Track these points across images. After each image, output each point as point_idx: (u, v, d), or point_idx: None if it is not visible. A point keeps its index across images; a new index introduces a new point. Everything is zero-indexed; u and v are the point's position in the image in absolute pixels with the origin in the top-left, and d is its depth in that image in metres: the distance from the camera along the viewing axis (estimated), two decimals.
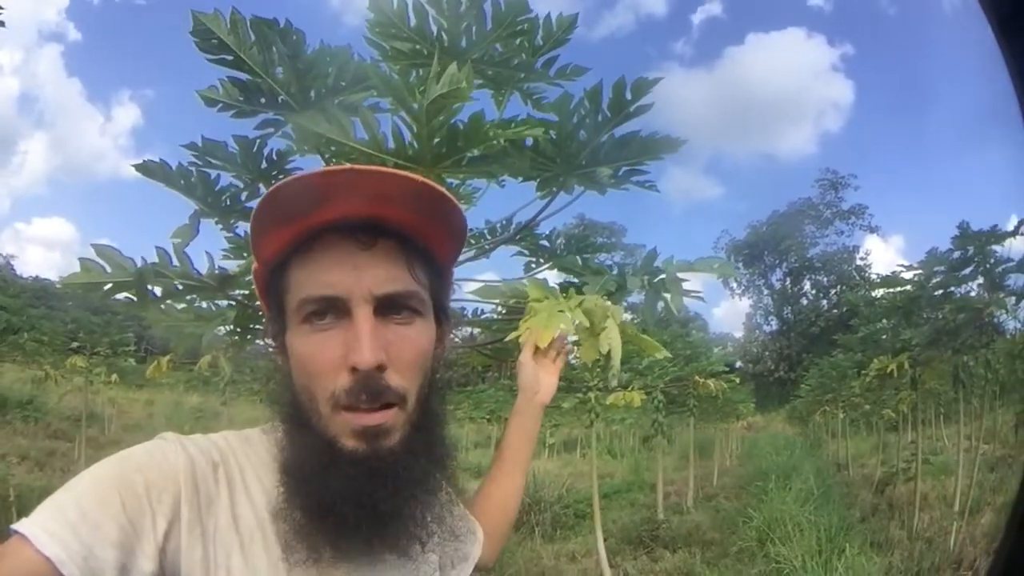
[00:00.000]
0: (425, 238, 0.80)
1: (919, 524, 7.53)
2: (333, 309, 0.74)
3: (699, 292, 2.11)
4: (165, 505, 0.67)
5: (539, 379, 1.28)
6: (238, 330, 2.74)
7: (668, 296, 1.83)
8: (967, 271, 6.08)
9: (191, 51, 2.04)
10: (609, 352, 1.52)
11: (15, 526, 0.61)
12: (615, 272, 2.08)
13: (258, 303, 2.61)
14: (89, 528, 0.61)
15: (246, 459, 0.78)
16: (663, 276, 1.89)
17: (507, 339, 1.49)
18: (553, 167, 1.84)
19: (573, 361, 1.47)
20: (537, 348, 1.30)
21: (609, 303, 1.59)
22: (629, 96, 1.70)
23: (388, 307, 0.75)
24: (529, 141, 1.76)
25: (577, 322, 1.52)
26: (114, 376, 13.59)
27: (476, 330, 2.86)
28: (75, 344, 11.81)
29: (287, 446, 0.77)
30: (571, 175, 1.85)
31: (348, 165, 0.76)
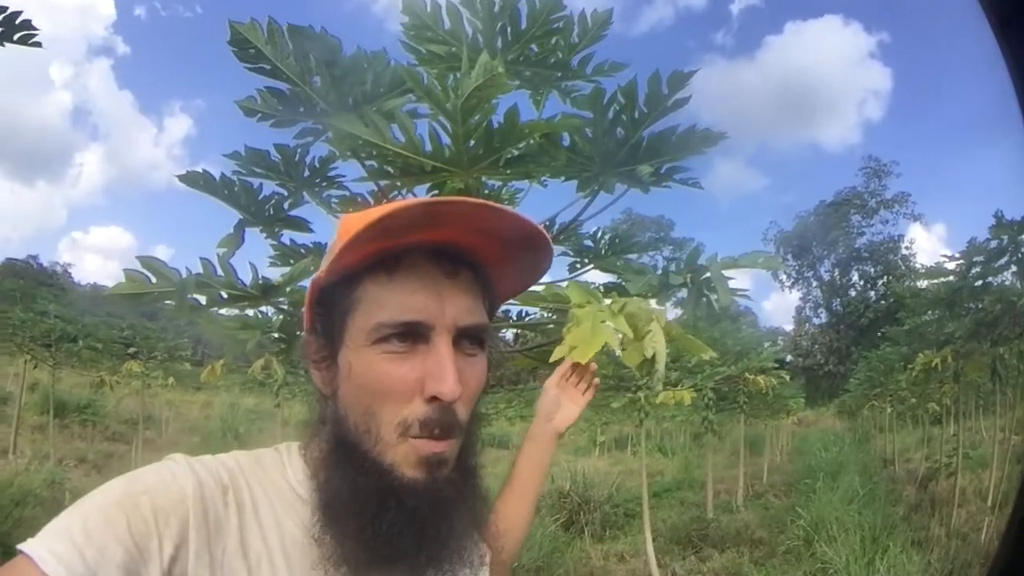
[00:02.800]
0: (501, 274, 0.79)
1: (957, 520, 7.43)
2: (413, 335, 0.72)
3: (746, 290, 2.05)
4: (172, 529, 0.65)
5: (559, 405, 1.25)
6: (285, 337, 2.78)
7: (714, 295, 1.78)
8: (1002, 261, 5.92)
9: (238, 60, 2.07)
10: (654, 356, 1.48)
11: (21, 546, 0.61)
12: (659, 271, 2.04)
13: (302, 311, 2.64)
14: (94, 550, 0.60)
15: (257, 482, 0.75)
16: (707, 274, 1.84)
17: (551, 359, 1.46)
18: (591, 166, 1.81)
19: (617, 352, 1.43)
20: (571, 369, 1.28)
21: (654, 305, 1.55)
22: (666, 90, 1.65)
23: (463, 339, 0.74)
24: (567, 140, 1.73)
25: (621, 335, 1.48)
26: (170, 380, 14.00)
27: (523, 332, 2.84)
28: (132, 350, 12.20)
29: (328, 466, 0.75)
30: (610, 174, 1.81)
31: (482, 201, 0.71)
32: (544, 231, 0.75)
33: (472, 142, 1.48)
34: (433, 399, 0.70)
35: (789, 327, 40.91)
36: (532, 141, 1.57)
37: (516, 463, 1.22)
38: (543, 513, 8.98)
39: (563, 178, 2.16)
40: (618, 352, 1.49)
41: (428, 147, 1.53)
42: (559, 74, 2.13)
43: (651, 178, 1.87)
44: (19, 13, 2.91)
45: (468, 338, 0.74)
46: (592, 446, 17.58)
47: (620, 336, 1.48)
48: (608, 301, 1.55)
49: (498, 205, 0.72)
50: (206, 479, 0.70)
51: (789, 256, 40.48)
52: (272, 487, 0.75)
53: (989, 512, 6.71)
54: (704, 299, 1.79)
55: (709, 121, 1.85)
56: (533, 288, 1.95)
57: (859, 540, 6.38)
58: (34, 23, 2.87)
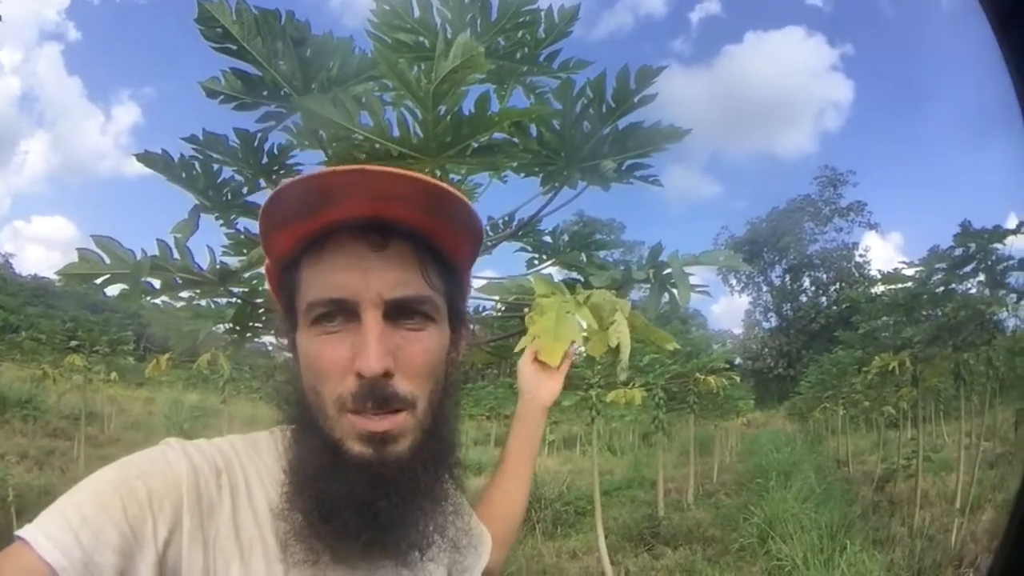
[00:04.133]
0: (439, 240, 0.77)
1: (920, 521, 7.57)
2: (342, 312, 0.72)
3: (705, 287, 2.10)
4: (167, 512, 0.66)
5: (539, 382, 1.26)
6: (237, 328, 2.71)
7: (675, 290, 1.81)
8: (968, 269, 6.15)
9: (191, 49, 2.02)
10: (618, 346, 1.50)
11: (18, 532, 0.61)
12: (620, 267, 2.07)
13: (259, 300, 2.60)
14: (90, 534, 0.61)
15: (251, 465, 0.77)
16: (669, 270, 1.87)
17: (516, 349, 1.47)
18: (557, 160, 1.82)
19: (576, 357, 1.45)
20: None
21: (616, 297, 1.57)
22: (633, 85, 1.68)
23: (399, 312, 0.73)
24: (534, 132, 1.73)
25: (586, 326, 1.50)
26: (113, 374, 13.58)
27: (476, 327, 2.83)
28: (74, 343, 11.81)
29: (293, 445, 0.76)
30: (575, 168, 1.83)
31: (358, 166, 0.72)
32: (444, 184, 0.74)
33: (441, 129, 1.47)
34: (361, 375, 0.70)
35: (738, 331, 41.76)
36: (500, 131, 1.56)
37: (507, 443, 1.24)
38: None
39: (524, 173, 2.18)
40: (580, 348, 1.50)
41: (396, 132, 1.51)
42: (525, 68, 2.13)
43: (614, 174, 1.89)
44: None
45: (406, 312, 0.74)
46: (542, 445, 17.58)
47: (584, 329, 1.50)
48: (571, 295, 1.56)
49: (395, 169, 0.71)
50: (200, 463, 0.71)
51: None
52: (266, 470, 0.77)
53: (959, 514, 6.91)
54: (665, 295, 1.81)
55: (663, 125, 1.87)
56: (497, 280, 1.96)
57: (816, 537, 6.51)
58: None
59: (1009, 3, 0.75)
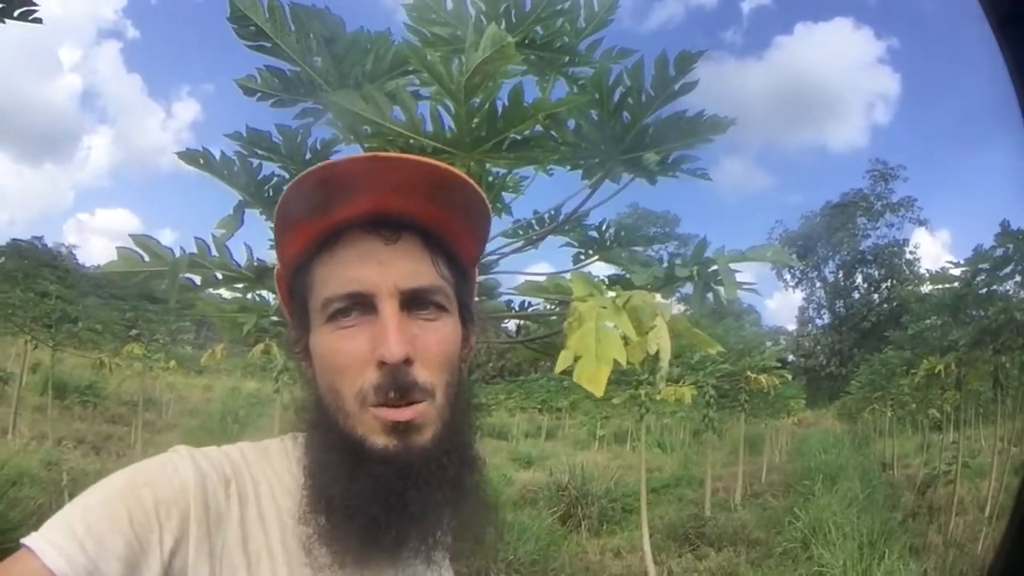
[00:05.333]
0: (447, 233, 0.77)
1: (954, 529, 7.41)
2: (358, 306, 0.72)
3: (753, 284, 2.01)
4: (173, 521, 0.66)
5: None
6: (283, 321, 2.73)
7: (721, 288, 1.73)
8: (1007, 270, 5.97)
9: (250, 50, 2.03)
10: (657, 352, 1.44)
11: (24, 540, 0.61)
12: (664, 264, 1.99)
13: None
14: (95, 542, 0.61)
15: (261, 474, 0.76)
16: (714, 267, 1.80)
17: (557, 371, 1.42)
18: (597, 152, 1.76)
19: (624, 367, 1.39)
20: None
21: (659, 299, 1.51)
22: (673, 72, 1.60)
23: (414, 302, 0.73)
24: (572, 124, 1.68)
25: (624, 337, 1.44)
26: (172, 363, 14.02)
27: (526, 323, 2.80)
28: (134, 332, 12.21)
29: (311, 449, 0.76)
30: (616, 161, 1.76)
31: (365, 154, 0.75)
32: (450, 167, 0.73)
33: (475, 122, 1.43)
34: (382, 363, 0.70)
35: (792, 327, 40.73)
36: (537, 124, 1.51)
37: None
38: (540, 506, 8.96)
39: (568, 166, 2.12)
40: (624, 365, 1.44)
41: (429, 127, 1.48)
42: (566, 59, 2.07)
43: (658, 167, 1.82)
44: None
45: (420, 302, 0.74)
46: (592, 440, 17.52)
47: (625, 342, 1.44)
48: (611, 295, 1.50)
49: (403, 155, 0.73)
50: (208, 471, 0.70)
51: (794, 256, 40.32)
52: (276, 479, 0.76)
53: (986, 523, 6.69)
54: (710, 293, 1.74)
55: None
56: (535, 278, 1.91)
57: (856, 545, 6.34)
58: (38, 1, 2.85)
59: (1009, 5, 0.74)
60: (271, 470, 0.77)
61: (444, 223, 0.76)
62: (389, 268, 0.72)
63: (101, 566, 0.60)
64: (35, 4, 2.86)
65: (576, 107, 1.65)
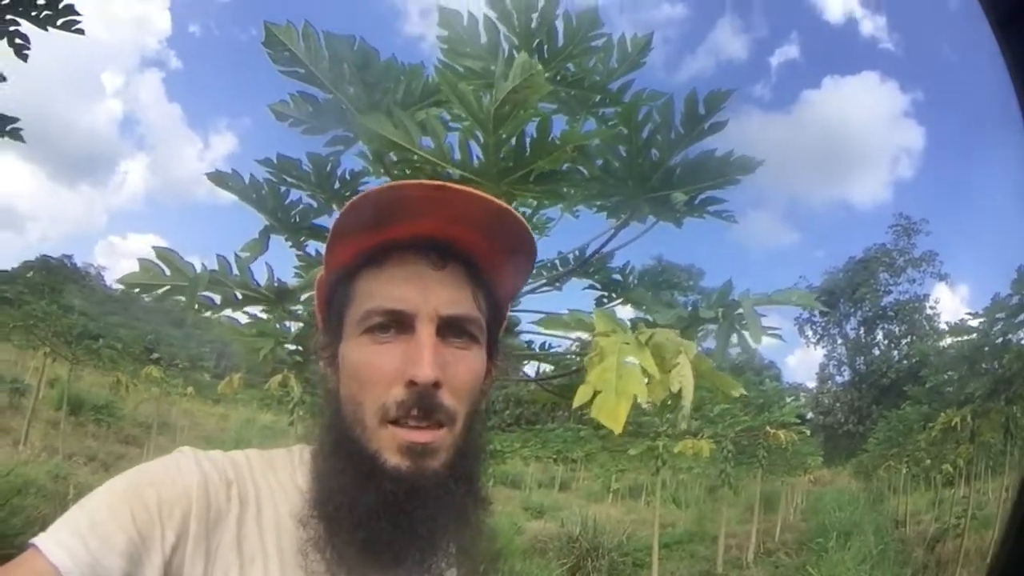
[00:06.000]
0: (492, 269, 0.80)
1: None
2: (397, 324, 0.74)
3: (778, 329, 1.96)
4: (175, 519, 0.67)
5: None
6: (301, 349, 2.72)
7: (747, 332, 1.69)
8: (1022, 317, 5.85)
9: (289, 83, 2.08)
10: (680, 392, 1.39)
11: (32, 540, 0.63)
12: (688, 308, 1.96)
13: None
14: (98, 538, 0.63)
15: (263, 480, 0.77)
16: (740, 310, 1.76)
17: (575, 404, 1.39)
18: (624, 189, 1.75)
19: (644, 405, 1.35)
20: None
21: (681, 338, 1.46)
22: (703, 111, 1.59)
23: (449, 329, 0.75)
24: (600, 162, 1.67)
25: (648, 378, 1.40)
26: (189, 389, 14.10)
27: (545, 366, 2.76)
28: (155, 355, 12.35)
29: (322, 455, 0.77)
30: (643, 199, 1.75)
31: (438, 182, 0.76)
32: (509, 207, 0.76)
33: (503, 153, 1.43)
34: (411, 383, 0.71)
35: (812, 384, 40.15)
36: (564, 157, 1.51)
37: None
38: (550, 556, 8.77)
39: (595, 203, 2.11)
40: (645, 402, 1.40)
41: (457, 156, 1.48)
42: (596, 98, 2.08)
43: (684, 207, 1.80)
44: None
45: (455, 330, 0.76)
46: (606, 493, 17.25)
47: (647, 378, 1.40)
48: (632, 327, 1.47)
49: (471, 189, 0.74)
50: (211, 473, 0.72)
51: (816, 313, 39.93)
52: (279, 487, 0.77)
53: (987, 570, 6.45)
54: (735, 335, 1.70)
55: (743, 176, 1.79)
56: (557, 314, 1.88)
57: None
58: (81, 13, 2.94)
59: (1009, 5, 0.74)
60: (274, 477, 0.78)
61: (491, 258, 0.79)
62: (432, 293, 0.74)
63: (103, 561, 0.62)
64: (78, 15, 2.95)
65: (604, 142, 1.64)
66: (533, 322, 1.78)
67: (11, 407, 13.09)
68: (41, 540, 0.63)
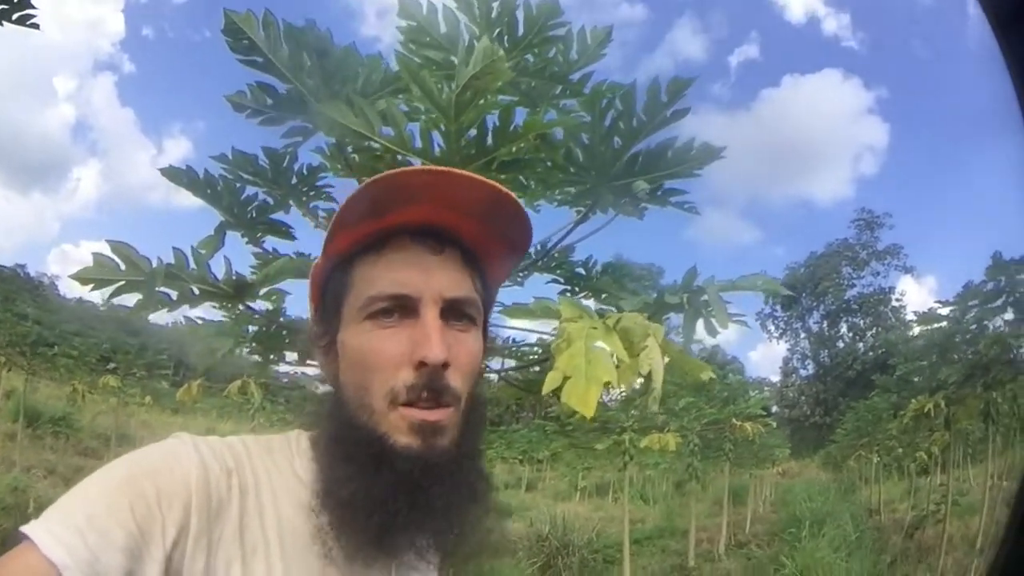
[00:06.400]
0: (487, 253, 0.83)
1: (944, 566, 7.38)
2: (401, 308, 0.75)
3: (743, 315, 1.98)
4: (176, 512, 0.66)
5: None
6: (260, 350, 2.66)
7: (713, 318, 1.70)
8: (999, 303, 5.95)
9: (242, 80, 2.04)
10: (649, 374, 1.39)
11: (24, 528, 0.61)
12: (653, 296, 1.96)
13: (282, 320, 2.55)
14: (96, 534, 0.61)
15: (263, 468, 0.76)
16: (705, 296, 1.77)
17: (544, 391, 1.38)
18: (587, 178, 1.74)
19: (608, 402, 1.34)
20: None
21: (649, 322, 1.46)
22: (665, 98, 1.60)
23: (451, 312, 0.77)
24: (562, 151, 1.66)
25: (616, 356, 1.39)
26: (148, 398, 13.77)
27: (508, 361, 2.74)
28: (111, 365, 12.04)
29: (326, 444, 0.78)
30: (605, 188, 1.74)
31: (434, 167, 0.79)
32: (511, 194, 0.77)
33: (465, 141, 1.41)
34: (421, 364, 0.72)
35: (776, 378, 40.75)
36: (526, 146, 1.49)
37: None
38: (520, 556, 8.75)
39: (556, 198, 2.10)
40: (615, 386, 1.40)
41: (418, 144, 1.45)
42: (557, 89, 2.08)
43: (647, 195, 1.81)
44: None
45: (457, 313, 0.77)
46: (573, 491, 17.30)
47: (616, 360, 1.39)
48: (599, 313, 1.46)
49: (474, 175, 0.76)
50: (211, 462, 0.71)
51: (778, 308, 40.59)
52: (277, 473, 0.77)
53: (977, 555, 6.60)
54: (700, 320, 1.70)
55: (702, 172, 1.80)
56: (521, 301, 1.87)
57: None
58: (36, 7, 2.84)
59: (1009, 6, 0.75)
60: (272, 464, 0.77)
61: (487, 244, 0.81)
62: (434, 276, 0.76)
63: (103, 558, 0.60)
64: (33, 8, 2.85)
65: (567, 131, 1.63)
66: (497, 311, 1.75)
67: None
68: (36, 534, 0.60)
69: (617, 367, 1.38)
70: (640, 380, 1.38)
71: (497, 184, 0.76)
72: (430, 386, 0.73)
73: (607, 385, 1.41)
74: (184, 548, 0.66)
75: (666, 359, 1.48)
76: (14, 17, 3.04)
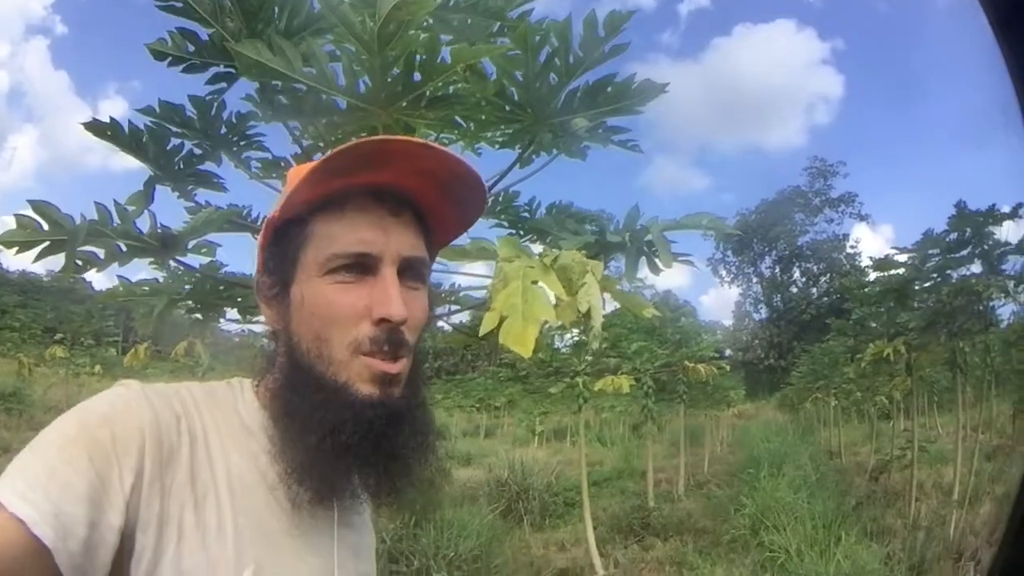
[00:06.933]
0: (439, 219, 0.85)
1: (916, 513, 7.46)
2: (360, 266, 0.78)
3: (688, 255, 1.97)
4: (131, 458, 0.67)
5: None
6: (198, 306, 2.59)
7: (657, 257, 1.69)
8: (964, 253, 6.05)
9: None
10: (589, 311, 1.39)
11: None
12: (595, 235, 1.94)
13: (219, 276, 2.48)
14: (58, 486, 0.62)
15: (208, 413, 0.78)
16: (648, 236, 1.76)
17: (482, 332, 1.36)
18: (524, 116, 1.69)
19: (561, 347, 1.34)
20: None
21: (587, 259, 1.44)
22: (602, 33, 1.55)
23: (406, 271, 0.80)
24: (495, 82, 1.60)
25: (554, 296, 1.38)
26: (97, 367, 13.46)
27: (454, 307, 2.72)
28: (58, 336, 11.69)
29: (281, 392, 0.80)
30: (544, 125, 1.70)
31: (407, 138, 0.85)
32: (475, 170, 0.81)
33: (391, 77, 1.34)
34: (381, 321, 0.76)
35: (728, 322, 41.65)
36: (456, 79, 1.44)
37: None
38: (480, 502, 8.87)
39: (497, 139, 2.05)
40: (552, 322, 1.39)
41: (342, 82, 1.38)
42: (495, 27, 2.00)
43: (587, 133, 1.77)
44: None
45: (412, 272, 0.81)
46: (531, 436, 17.56)
47: (553, 298, 1.38)
48: (538, 253, 1.44)
49: (437, 145, 0.79)
50: (160, 408, 0.72)
51: (729, 252, 41.27)
52: (223, 419, 0.78)
53: (956, 507, 6.78)
54: (643, 259, 1.70)
55: (650, 118, 1.75)
56: (457, 243, 1.84)
57: (810, 528, 6.37)
58: None
59: (1009, 5, 0.75)
60: (218, 411, 0.79)
61: (442, 211, 0.84)
62: (393, 237, 0.79)
63: (65, 508, 0.61)
64: None
65: (500, 66, 1.57)
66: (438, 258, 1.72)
67: None
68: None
69: (556, 305, 1.37)
70: (579, 316, 1.38)
71: (466, 161, 0.80)
72: (390, 340, 0.76)
73: (550, 325, 1.41)
74: (140, 493, 0.67)
75: (606, 296, 1.48)
76: None
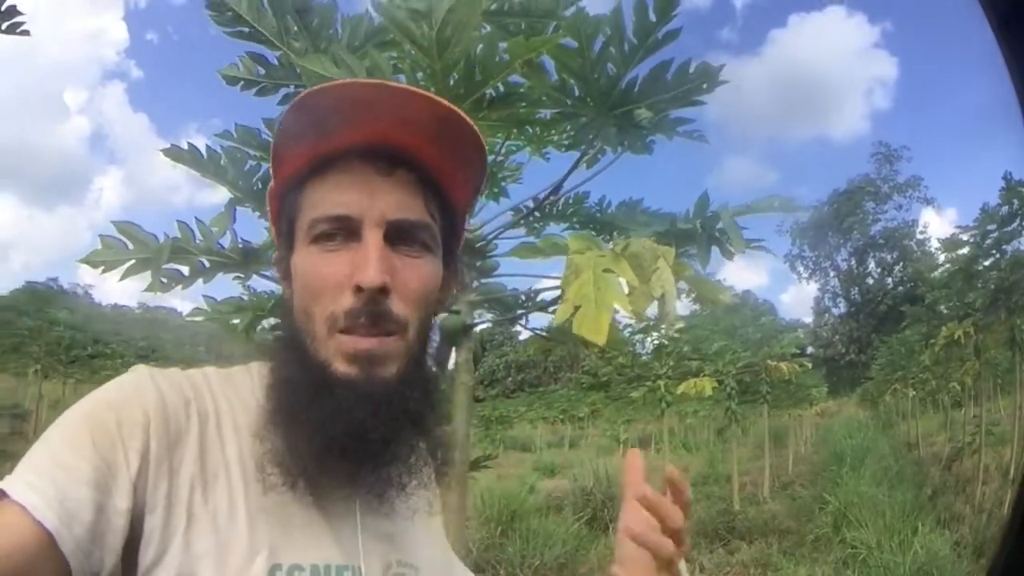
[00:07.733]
0: (442, 175, 0.77)
1: (980, 497, 7.31)
2: (344, 231, 0.72)
3: (761, 240, 1.93)
4: (137, 440, 0.65)
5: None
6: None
7: (729, 243, 1.66)
8: (1014, 225, 5.87)
9: None
10: (663, 297, 1.37)
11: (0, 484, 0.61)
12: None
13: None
14: (63, 471, 0.61)
15: (223, 396, 0.75)
16: (720, 223, 1.73)
17: (556, 321, 1.37)
18: (585, 109, 1.69)
19: (642, 353, 1.32)
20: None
21: (658, 245, 1.43)
22: (653, 17, 1.53)
23: (399, 236, 0.73)
24: (556, 77, 1.61)
25: (626, 284, 1.37)
26: None
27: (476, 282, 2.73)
28: (149, 362, 12.32)
29: (276, 369, 0.76)
30: (606, 117, 1.69)
31: (372, 80, 0.78)
32: (457, 109, 0.73)
33: (452, 80, 1.37)
34: (358, 289, 0.70)
35: (808, 319, 40.43)
36: (515, 74, 1.45)
37: None
38: (566, 512, 8.84)
39: (565, 139, 2.06)
40: (625, 311, 1.37)
41: None
42: (550, 28, 2.01)
43: (651, 124, 1.76)
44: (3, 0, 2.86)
45: (406, 237, 0.74)
46: (615, 444, 17.42)
47: (626, 286, 1.37)
48: (610, 244, 1.44)
49: (415, 88, 0.73)
50: (167, 390, 0.70)
51: (805, 247, 40.11)
52: (238, 402, 0.76)
53: (1011, 486, 6.57)
54: (715, 246, 1.67)
55: (717, 117, 1.73)
56: (530, 241, 1.85)
57: (889, 519, 6.28)
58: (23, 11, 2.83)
59: (1009, 4, 0.72)
60: (233, 392, 0.76)
61: (441, 164, 0.76)
62: (379, 198, 0.73)
63: (70, 493, 0.60)
64: (21, 14, 2.85)
65: (558, 60, 1.58)
66: (509, 253, 1.74)
67: (13, 433, 13.02)
68: (7, 483, 0.60)
69: (629, 294, 1.36)
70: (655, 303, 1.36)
71: (443, 101, 0.72)
72: (368, 311, 0.70)
73: (632, 328, 1.39)
74: (147, 475, 0.65)
75: (680, 283, 1.46)
76: (3, 26, 3.03)
